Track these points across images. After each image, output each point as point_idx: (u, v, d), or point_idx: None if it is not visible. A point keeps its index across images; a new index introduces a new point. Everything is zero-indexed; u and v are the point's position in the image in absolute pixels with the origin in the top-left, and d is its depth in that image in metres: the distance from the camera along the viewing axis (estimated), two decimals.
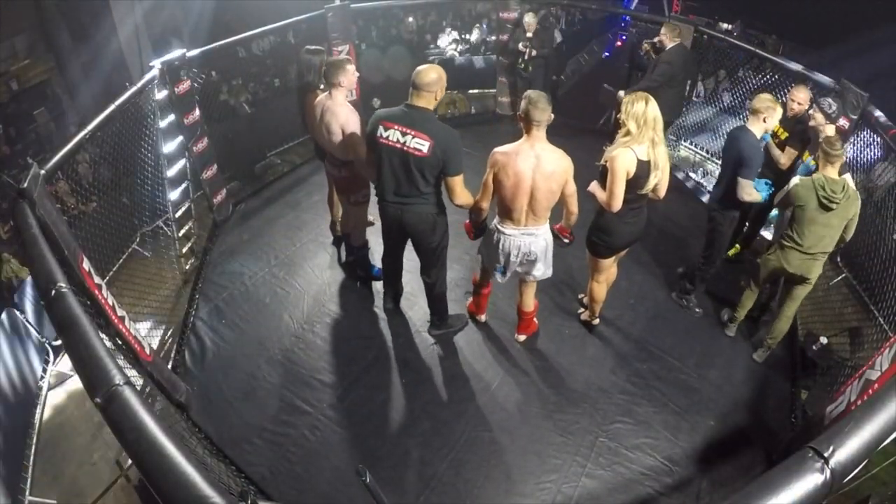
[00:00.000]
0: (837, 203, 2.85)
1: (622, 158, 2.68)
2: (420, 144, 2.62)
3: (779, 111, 3.05)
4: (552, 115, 2.62)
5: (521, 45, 5.57)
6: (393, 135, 2.65)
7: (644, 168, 2.70)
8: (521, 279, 3.15)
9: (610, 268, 3.27)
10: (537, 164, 2.63)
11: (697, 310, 3.76)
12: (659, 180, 2.78)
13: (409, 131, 2.62)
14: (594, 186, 2.93)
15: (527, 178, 2.65)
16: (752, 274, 3.48)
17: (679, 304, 3.82)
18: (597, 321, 3.55)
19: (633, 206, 2.88)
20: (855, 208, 2.92)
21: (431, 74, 2.61)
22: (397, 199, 2.84)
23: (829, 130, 3.22)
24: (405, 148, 2.64)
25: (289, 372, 3.35)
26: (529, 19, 5.48)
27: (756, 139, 3.07)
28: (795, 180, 3.01)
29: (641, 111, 2.65)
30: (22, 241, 2.20)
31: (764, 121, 3.05)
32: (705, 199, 5.12)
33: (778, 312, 3.39)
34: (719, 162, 5.24)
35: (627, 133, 2.70)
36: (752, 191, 3.12)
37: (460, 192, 2.77)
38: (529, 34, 5.53)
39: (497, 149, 2.71)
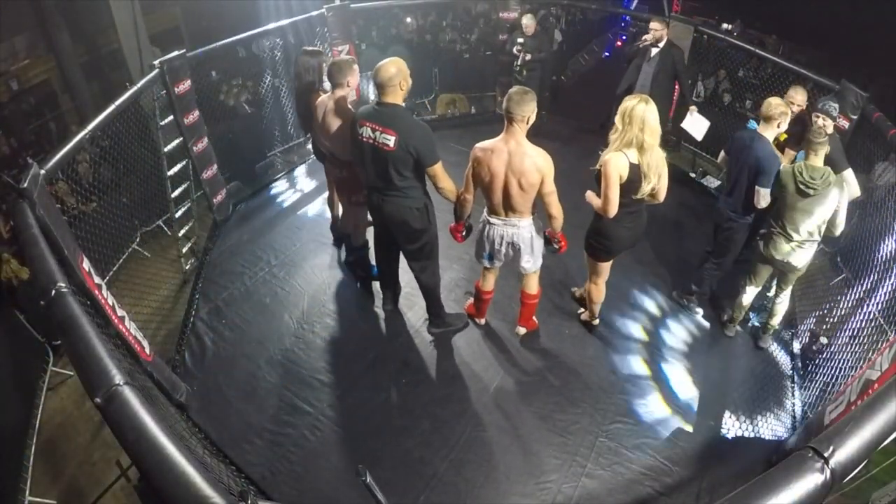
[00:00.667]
0: (815, 189, 2.86)
1: (614, 162, 2.68)
2: (386, 139, 2.68)
3: (789, 115, 3.08)
4: (532, 114, 2.61)
5: (515, 49, 5.38)
6: (366, 132, 2.73)
7: (636, 171, 2.69)
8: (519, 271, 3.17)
9: (609, 270, 3.26)
10: (509, 160, 2.65)
11: (697, 310, 3.77)
12: (657, 185, 2.77)
13: (378, 127, 2.70)
14: (590, 195, 2.93)
15: (500, 175, 2.69)
16: (750, 273, 3.48)
17: (679, 303, 3.82)
18: (597, 321, 3.55)
19: (630, 210, 2.87)
20: (838, 198, 2.91)
21: (391, 69, 2.65)
22: (377, 192, 2.91)
23: (828, 129, 3.22)
24: (376, 143, 2.72)
25: (289, 372, 3.35)
26: (528, 21, 5.33)
27: (773, 147, 3.08)
28: (782, 167, 3.04)
29: (629, 109, 2.63)
30: (22, 241, 2.21)
31: (777, 126, 3.06)
32: (705, 199, 5.12)
33: (774, 300, 3.43)
34: (716, 159, 5.25)
35: (615, 131, 2.70)
36: (769, 198, 3.12)
37: (442, 177, 2.82)
38: (523, 38, 5.31)
39: (477, 144, 2.75)
